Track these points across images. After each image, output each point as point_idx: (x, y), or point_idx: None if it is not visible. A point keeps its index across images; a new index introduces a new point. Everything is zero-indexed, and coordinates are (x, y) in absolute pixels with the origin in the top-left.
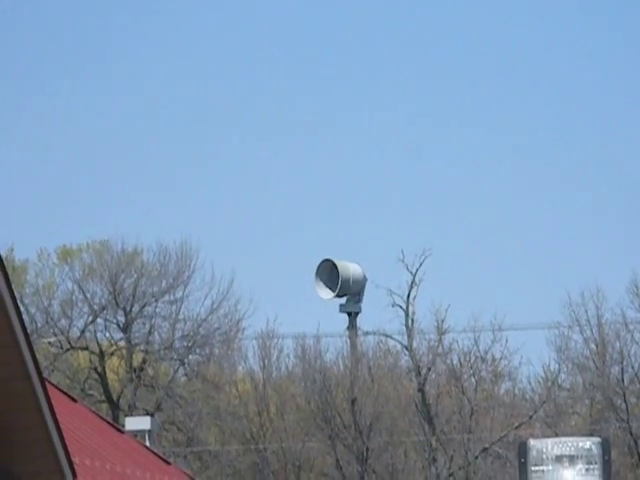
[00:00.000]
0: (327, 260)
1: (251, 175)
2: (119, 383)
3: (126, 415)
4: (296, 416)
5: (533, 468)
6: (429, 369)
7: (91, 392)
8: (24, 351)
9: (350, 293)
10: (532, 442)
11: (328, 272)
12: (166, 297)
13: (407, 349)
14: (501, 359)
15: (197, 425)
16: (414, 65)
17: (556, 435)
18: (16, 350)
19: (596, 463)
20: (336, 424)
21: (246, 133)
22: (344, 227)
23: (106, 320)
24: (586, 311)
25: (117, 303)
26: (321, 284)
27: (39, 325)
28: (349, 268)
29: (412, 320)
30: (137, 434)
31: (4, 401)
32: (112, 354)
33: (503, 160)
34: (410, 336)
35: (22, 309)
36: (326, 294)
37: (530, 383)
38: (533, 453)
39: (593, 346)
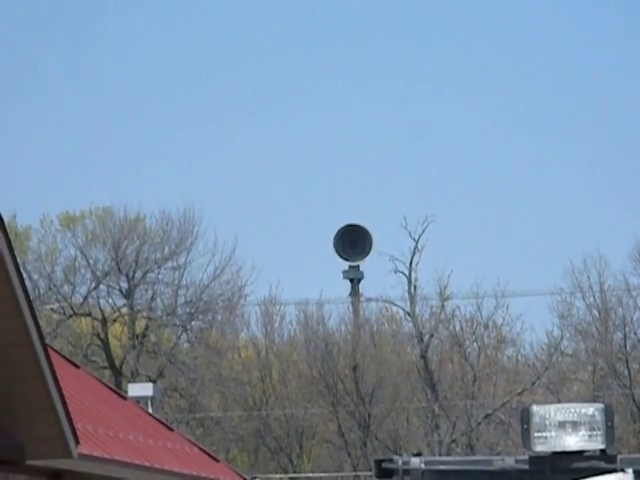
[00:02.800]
0: (352, 225)
1: (254, 142)
2: (122, 349)
3: (129, 381)
4: (298, 382)
5: (536, 434)
6: (431, 335)
7: (94, 358)
8: (27, 317)
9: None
10: (535, 408)
11: (344, 237)
12: (169, 263)
13: (410, 315)
14: (503, 325)
15: (200, 391)
16: (412, 33)
17: (559, 401)
18: (19, 316)
19: (599, 429)
20: (338, 390)
21: (248, 99)
22: (346, 194)
23: (109, 286)
24: (589, 277)
25: (120, 269)
26: (343, 250)
27: (42, 291)
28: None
29: (415, 286)
30: (140, 400)
31: (6, 368)
32: (115, 320)
33: (506, 128)
34: (413, 302)
35: (25, 275)
36: (352, 260)
37: (533, 349)
38: (536, 419)
39: (596, 312)
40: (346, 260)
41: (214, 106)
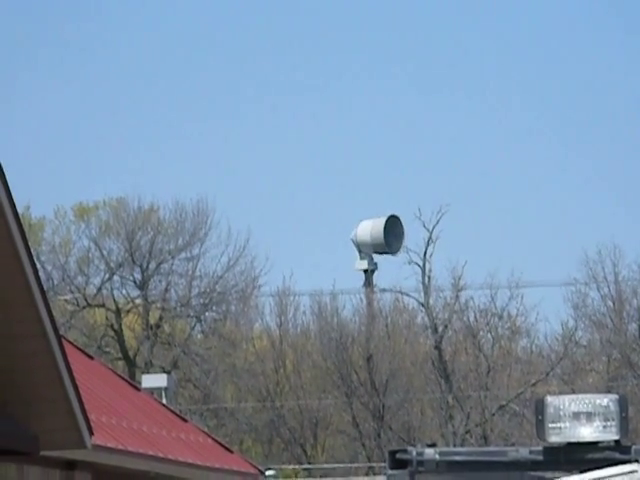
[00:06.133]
0: (393, 216)
1: (267, 132)
2: (135, 340)
3: (143, 372)
4: (312, 373)
5: (550, 425)
6: (445, 326)
7: (107, 349)
8: (40, 308)
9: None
10: (549, 399)
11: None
12: (183, 254)
13: (423, 306)
14: (518, 316)
15: (213, 382)
16: (417, 31)
17: (573, 392)
18: (32, 307)
19: (613, 420)
20: (352, 381)
21: (262, 89)
22: (361, 184)
23: (122, 277)
24: (603, 268)
25: (134, 260)
26: (388, 241)
27: (55, 282)
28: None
29: (429, 277)
30: (154, 391)
31: (21, 359)
32: (129, 311)
33: (520, 118)
34: (427, 293)
35: (38, 266)
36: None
37: (547, 340)
38: (550, 410)
39: (610, 303)
40: (388, 252)
41: (228, 96)
